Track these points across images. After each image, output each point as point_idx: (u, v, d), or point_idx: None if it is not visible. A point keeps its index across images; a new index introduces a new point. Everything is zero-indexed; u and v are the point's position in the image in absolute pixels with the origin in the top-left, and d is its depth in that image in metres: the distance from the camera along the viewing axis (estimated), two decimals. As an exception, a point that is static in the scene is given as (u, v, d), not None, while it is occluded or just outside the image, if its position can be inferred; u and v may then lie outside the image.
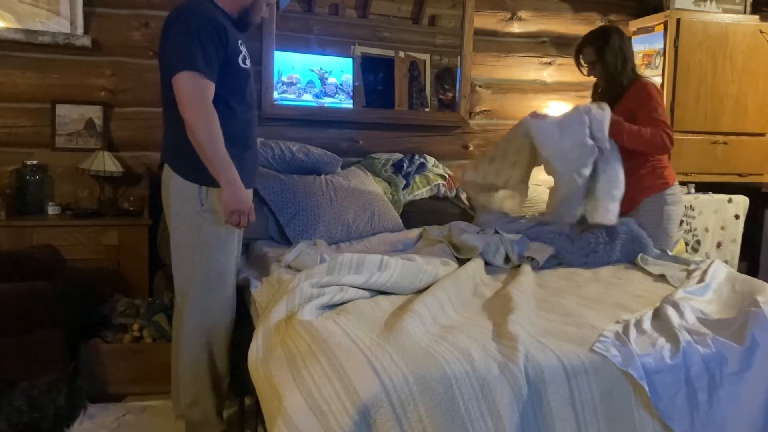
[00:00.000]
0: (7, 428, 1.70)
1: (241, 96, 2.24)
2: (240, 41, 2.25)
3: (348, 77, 3.61)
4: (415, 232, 2.91)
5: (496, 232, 2.71)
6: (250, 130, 2.33)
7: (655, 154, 2.78)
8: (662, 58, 3.63)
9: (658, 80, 3.66)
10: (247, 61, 2.27)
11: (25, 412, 1.71)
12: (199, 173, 2.15)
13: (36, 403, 1.73)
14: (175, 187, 2.22)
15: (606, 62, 2.77)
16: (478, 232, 2.71)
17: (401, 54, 3.72)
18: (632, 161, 2.71)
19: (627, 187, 2.66)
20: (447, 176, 3.61)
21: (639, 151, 2.73)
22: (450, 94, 3.81)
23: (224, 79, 2.15)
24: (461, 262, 2.46)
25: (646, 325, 1.83)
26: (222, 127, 2.10)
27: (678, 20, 3.60)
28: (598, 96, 2.94)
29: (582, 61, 2.87)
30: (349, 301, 1.93)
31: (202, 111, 2.06)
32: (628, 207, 2.72)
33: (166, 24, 2.16)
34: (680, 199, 2.87)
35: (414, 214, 3.31)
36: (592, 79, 2.95)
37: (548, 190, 2.89)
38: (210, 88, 2.08)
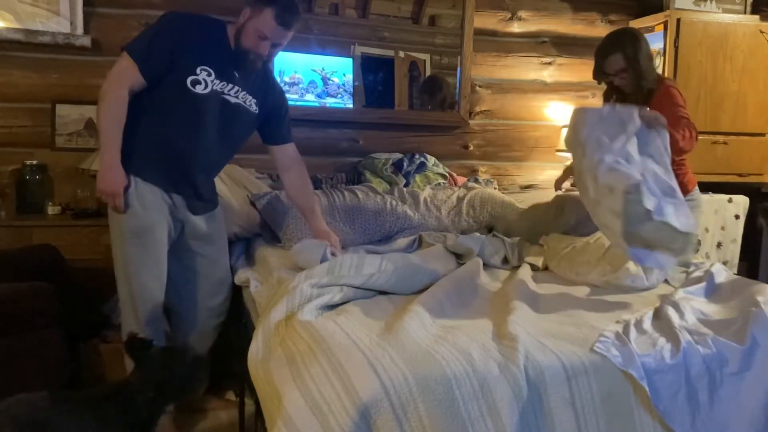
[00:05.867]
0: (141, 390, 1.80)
1: (181, 115, 2.25)
2: (204, 67, 2.23)
3: (350, 77, 3.61)
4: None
5: (495, 236, 2.71)
6: (183, 152, 2.30)
7: (681, 153, 2.52)
8: (662, 58, 3.63)
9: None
10: (202, 88, 2.24)
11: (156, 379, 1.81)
12: (126, 160, 2.22)
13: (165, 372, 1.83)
14: None
15: (639, 69, 2.55)
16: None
17: (401, 54, 3.72)
18: None
19: None
20: (447, 176, 3.62)
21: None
22: (435, 101, 3.82)
23: (166, 90, 2.23)
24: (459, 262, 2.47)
25: (647, 325, 1.83)
26: (145, 131, 2.24)
27: (678, 20, 3.60)
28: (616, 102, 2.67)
29: (605, 70, 2.61)
30: (348, 301, 1.93)
31: (111, 87, 2.19)
32: None
33: None
34: (699, 205, 2.74)
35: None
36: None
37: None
38: (133, 74, 2.19)
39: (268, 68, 2.51)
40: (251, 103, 2.38)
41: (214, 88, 2.27)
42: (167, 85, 2.23)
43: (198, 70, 2.23)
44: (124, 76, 2.20)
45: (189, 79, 2.22)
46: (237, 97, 2.33)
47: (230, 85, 2.30)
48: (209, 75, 2.25)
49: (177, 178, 2.32)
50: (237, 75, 2.31)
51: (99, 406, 1.79)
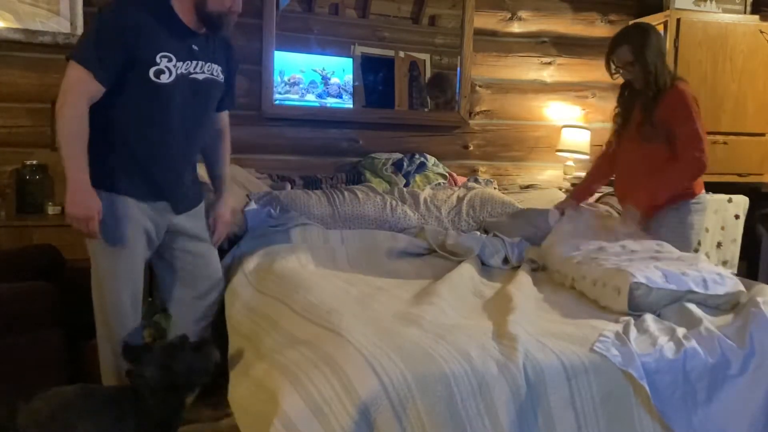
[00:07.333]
0: (149, 390, 1.87)
1: (150, 112, 2.13)
2: (165, 54, 2.08)
3: (350, 77, 3.61)
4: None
5: (496, 235, 2.71)
6: (162, 151, 2.19)
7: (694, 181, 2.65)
8: (662, 58, 3.63)
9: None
10: (167, 77, 2.10)
11: (161, 377, 1.87)
12: (98, 177, 2.07)
13: (168, 367, 1.89)
14: None
15: (646, 62, 2.56)
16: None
17: (401, 54, 3.72)
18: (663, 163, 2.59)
19: (652, 187, 2.55)
20: (447, 176, 3.62)
21: (672, 157, 2.57)
22: (442, 99, 3.82)
23: (128, 89, 2.08)
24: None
25: (647, 324, 1.83)
26: (114, 134, 2.11)
27: (678, 20, 3.60)
28: (629, 100, 2.72)
29: (614, 62, 2.65)
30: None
31: (67, 103, 2.03)
32: (651, 210, 2.61)
33: None
34: (705, 208, 2.76)
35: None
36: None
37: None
38: (88, 84, 2.03)
39: (227, 36, 2.34)
40: (218, 73, 2.26)
41: (179, 72, 2.13)
42: (129, 84, 2.07)
43: (158, 59, 2.07)
44: (79, 88, 2.02)
45: (152, 71, 2.06)
46: (204, 71, 2.21)
47: (194, 62, 2.17)
48: (170, 61, 2.10)
49: (164, 182, 2.20)
50: (197, 48, 2.18)
51: (117, 405, 1.87)
